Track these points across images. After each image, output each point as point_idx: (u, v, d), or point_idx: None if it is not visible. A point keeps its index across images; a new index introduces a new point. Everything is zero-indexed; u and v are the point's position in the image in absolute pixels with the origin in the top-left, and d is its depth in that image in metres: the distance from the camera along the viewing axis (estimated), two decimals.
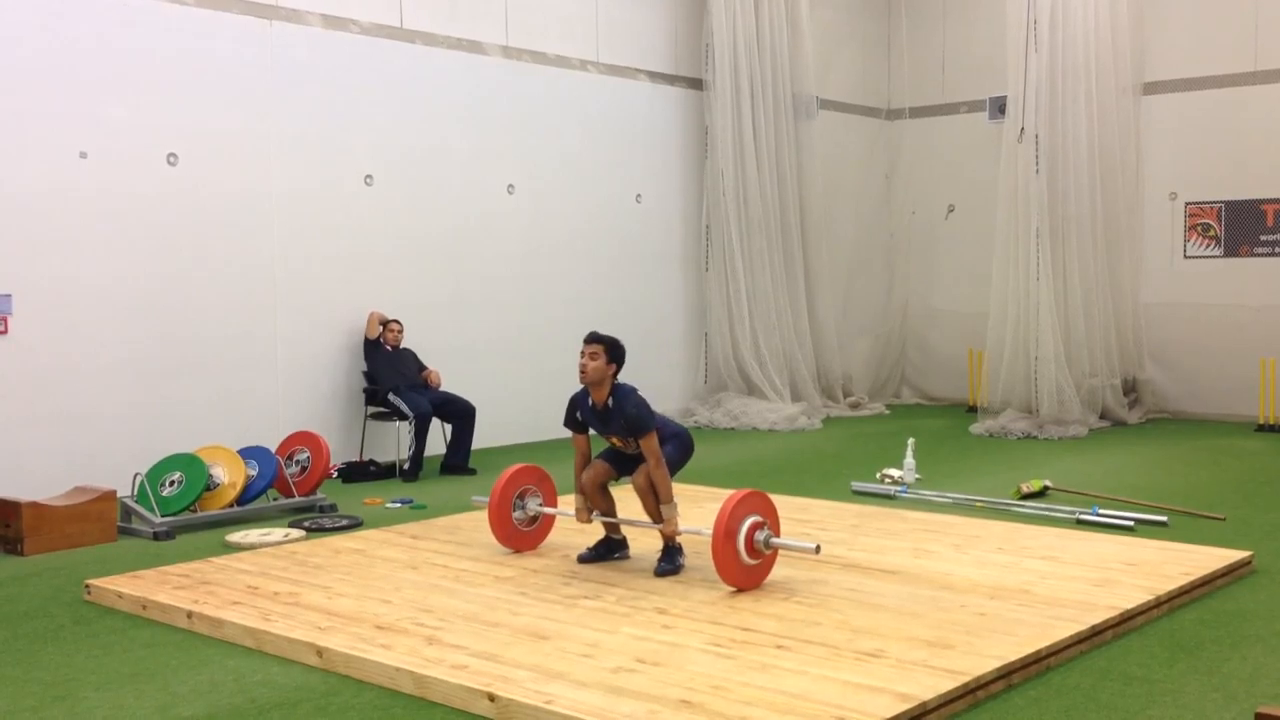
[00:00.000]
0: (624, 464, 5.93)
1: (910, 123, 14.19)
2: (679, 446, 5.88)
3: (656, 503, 5.66)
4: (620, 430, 5.73)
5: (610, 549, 6.06)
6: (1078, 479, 8.55)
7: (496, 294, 10.38)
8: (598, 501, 5.94)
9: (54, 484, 7.35)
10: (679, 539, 5.80)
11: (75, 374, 7.93)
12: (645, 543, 6.07)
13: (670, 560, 5.75)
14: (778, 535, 5.47)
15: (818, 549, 5.43)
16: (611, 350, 5.71)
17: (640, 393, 5.75)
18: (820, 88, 13.03)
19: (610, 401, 5.71)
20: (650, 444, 5.61)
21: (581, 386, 5.82)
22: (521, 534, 6.28)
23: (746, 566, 5.37)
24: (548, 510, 6.30)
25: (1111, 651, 4.73)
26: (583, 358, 5.69)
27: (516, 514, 6.25)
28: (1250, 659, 4.64)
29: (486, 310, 10.35)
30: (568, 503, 6.27)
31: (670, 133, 12.07)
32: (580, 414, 5.87)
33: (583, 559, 6.02)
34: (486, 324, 10.36)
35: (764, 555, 5.43)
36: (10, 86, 7.65)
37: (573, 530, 6.47)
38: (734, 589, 5.35)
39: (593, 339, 5.73)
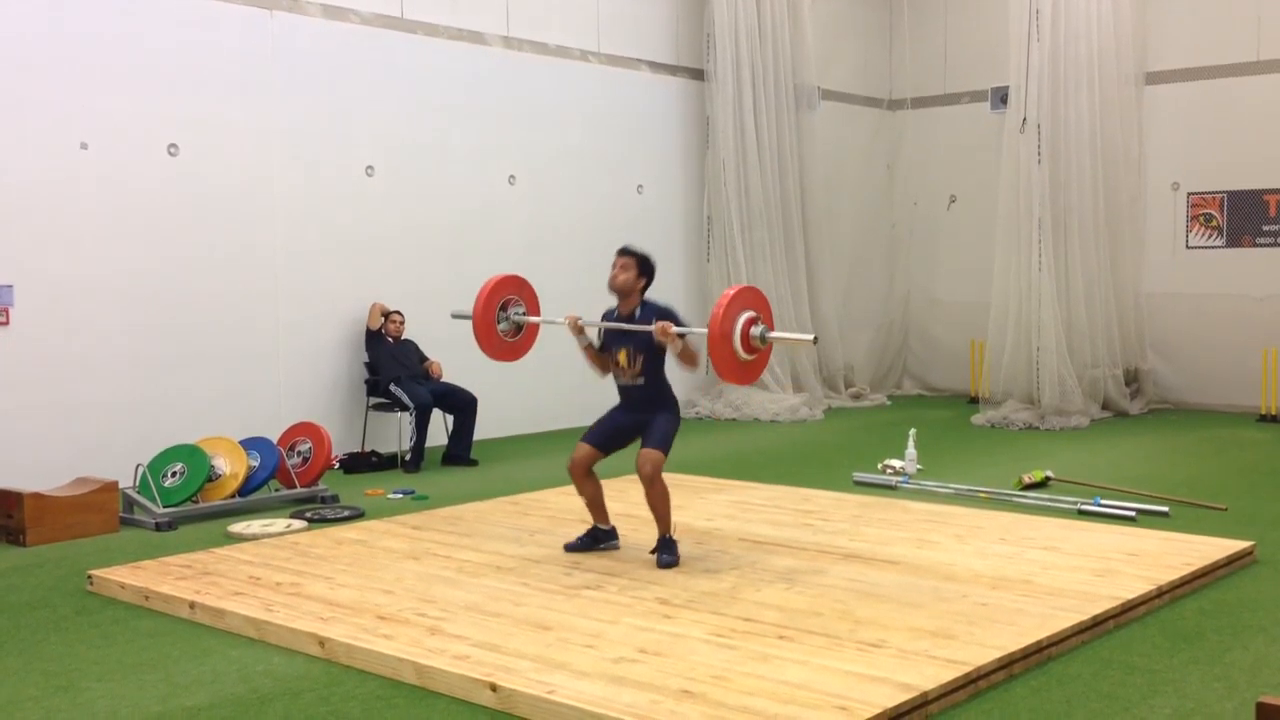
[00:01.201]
0: (611, 440, 5.88)
1: (912, 113, 14.17)
2: (671, 418, 5.79)
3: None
4: (640, 334, 5.66)
5: (596, 539, 6.05)
6: (1080, 470, 8.55)
7: None
8: (585, 487, 5.92)
9: (56, 475, 7.35)
10: (674, 531, 5.79)
11: (77, 365, 7.93)
12: (642, 535, 6.06)
13: (670, 551, 5.73)
14: (772, 329, 5.48)
15: (815, 340, 5.56)
16: (642, 264, 5.80)
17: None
18: (822, 78, 13.00)
19: (638, 312, 5.76)
20: (678, 332, 5.56)
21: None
22: (507, 345, 6.24)
23: (744, 362, 5.42)
24: (531, 319, 6.26)
25: (1113, 642, 4.73)
26: (614, 269, 5.78)
27: (502, 325, 6.21)
28: (1252, 649, 4.64)
29: None
30: (550, 314, 6.22)
31: (671, 123, 12.05)
32: (601, 332, 5.87)
33: (570, 548, 6.02)
34: None
35: (760, 350, 5.45)
36: (11, 77, 7.63)
37: (577, 522, 6.48)
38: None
39: (624, 252, 5.81)
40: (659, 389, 5.79)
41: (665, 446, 5.68)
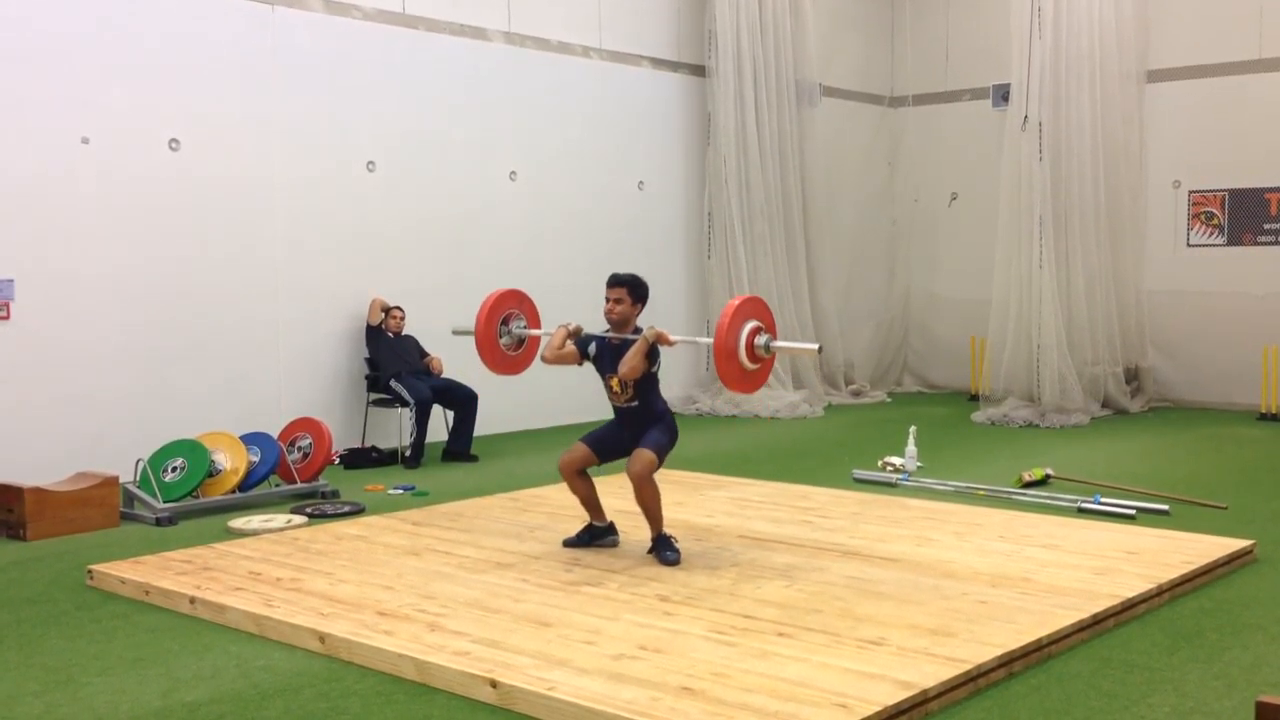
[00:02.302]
0: (608, 448, 5.89)
1: (913, 110, 14.16)
2: (666, 430, 5.80)
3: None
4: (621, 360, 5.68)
5: (594, 535, 6.05)
6: (1079, 467, 8.55)
7: (498, 280, 10.15)
8: (576, 485, 5.92)
9: (56, 469, 7.35)
10: (667, 529, 5.80)
11: (77, 359, 7.93)
12: (643, 531, 6.06)
13: (670, 548, 5.73)
14: (775, 339, 5.54)
15: (820, 349, 5.60)
16: (634, 290, 5.83)
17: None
18: (823, 74, 12.99)
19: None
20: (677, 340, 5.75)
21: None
22: (509, 359, 6.29)
23: (748, 371, 5.48)
24: (533, 332, 6.31)
25: (1112, 640, 4.74)
26: (608, 303, 5.80)
27: (503, 339, 6.26)
28: (1251, 647, 4.64)
29: None
30: (550, 321, 6.23)
31: (673, 119, 12.04)
32: (595, 347, 5.87)
33: (568, 543, 6.03)
34: None
35: (764, 359, 5.52)
36: (12, 71, 7.63)
37: (577, 518, 6.48)
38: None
39: (614, 283, 5.84)
40: (652, 408, 5.81)
41: (659, 450, 5.69)
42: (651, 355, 5.67)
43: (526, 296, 6.40)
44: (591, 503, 5.99)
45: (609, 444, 5.90)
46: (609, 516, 6.11)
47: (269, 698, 4.16)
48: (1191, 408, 12.22)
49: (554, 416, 10.78)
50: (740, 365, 5.45)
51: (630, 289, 5.81)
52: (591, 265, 11.09)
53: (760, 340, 5.45)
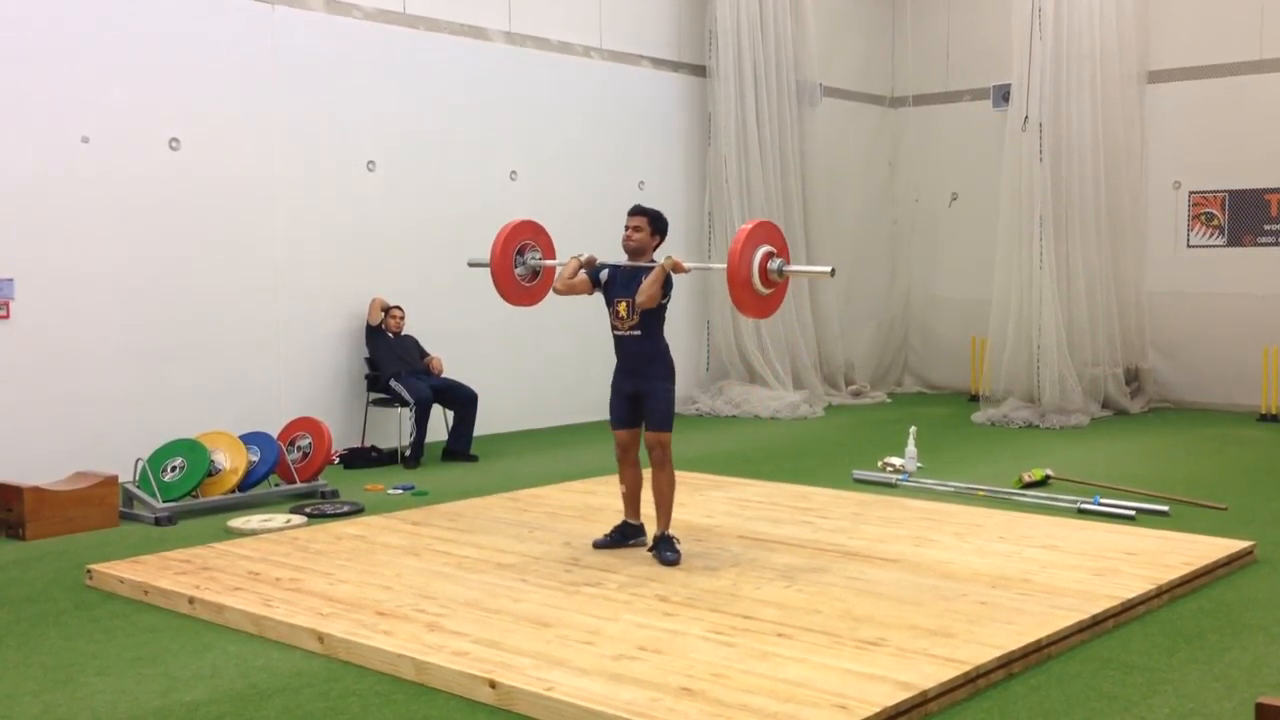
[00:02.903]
0: (629, 413, 5.87)
1: (914, 110, 14.15)
2: (664, 374, 5.83)
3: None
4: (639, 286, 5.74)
5: (625, 535, 6.05)
6: (1079, 468, 8.54)
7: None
8: (625, 475, 5.98)
9: (56, 468, 7.34)
10: (672, 529, 5.80)
11: (77, 359, 7.93)
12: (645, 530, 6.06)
13: (671, 548, 5.73)
14: (789, 263, 5.57)
15: (832, 272, 5.68)
16: (654, 221, 5.89)
17: None
18: (824, 74, 12.99)
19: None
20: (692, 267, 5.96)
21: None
22: (525, 289, 6.34)
23: (761, 296, 5.54)
24: (548, 263, 6.33)
25: (1112, 641, 4.73)
26: (627, 230, 5.85)
27: (519, 270, 6.29)
28: (1251, 649, 4.64)
29: (488, 296, 10.17)
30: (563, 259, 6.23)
31: (673, 119, 12.04)
32: (607, 273, 5.91)
33: (598, 544, 6.02)
34: (488, 310, 10.26)
35: (777, 284, 5.56)
36: (12, 71, 7.62)
37: (577, 518, 6.47)
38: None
39: (636, 211, 5.92)
40: (654, 343, 5.84)
41: (668, 423, 5.78)
42: (665, 285, 5.74)
43: (542, 228, 6.44)
44: (633, 498, 6.03)
45: (626, 409, 5.89)
46: (639, 516, 6.09)
47: (268, 697, 4.16)
48: (1192, 408, 12.22)
49: (554, 416, 10.77)
50: (754, 290, 5.52)
51: (651, 219, 5.88)
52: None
53: (773, 264, 5.51)
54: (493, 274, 6.22)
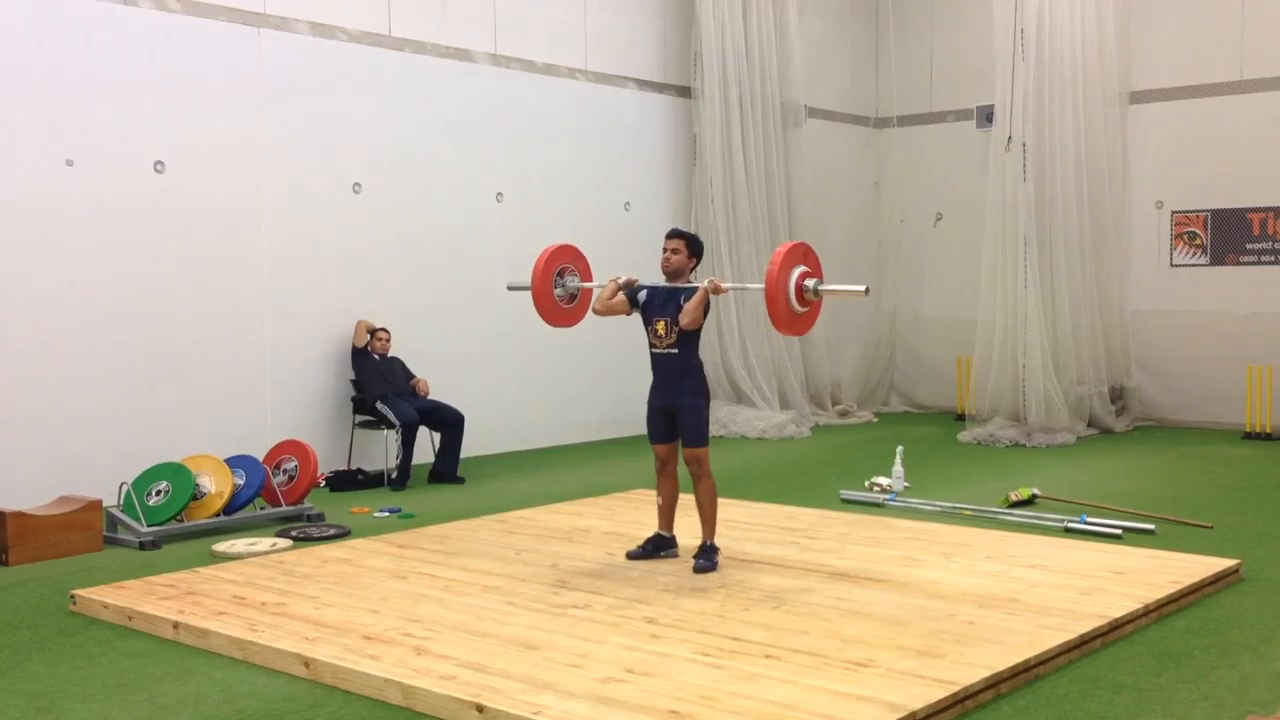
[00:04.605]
0: (665, 428, 6.09)
1: (898, 131, 14.22)
2: (698, 393, 6.04)
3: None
4: (680, 304, 5.94)
5: (658, 546, 6.25)
6: (1066, 487, 8.56)
7: (485, 302, 10.33)
8: (662, 487, 6.21)
9: (39, 493, 7.31)
10: (716, 538, 6.05)
11: (62, 381, 7.89)
12: (625, 547, 6.05)
13: (708, 558, 5.96)
14: (823, 282, 5.77)
15: (866, 290, 5.83)
16: (692, 244, 6.13)
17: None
18: (809, 96, 13.04)
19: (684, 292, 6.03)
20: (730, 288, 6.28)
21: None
22: (564, 311, 6.50)
23: (797, 315, 5.71)
24: (585, 285, 6.52)
25: (1100, 660, 4.73)
26: (665, 252, 6.08)
27: (557, 291, 6.45)
28: (1238, 667, 4.64)
29: (475, 318, 10.32)
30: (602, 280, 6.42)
31: (659, 141, 12.08)
32: (645, 294, 6.11)
33: (632, 555, 6.20)
34: (475, 332, 10.33)
35: (812, 302, 5.75)
36: None
37: (564, 540, 6.45)
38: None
39: (674, 234, 6.16)
40: (688, 360, 6.02)
41: (702, 439, 6.01)
42: (705, 306, 5.92)
43: (580, 252, 6.61)
44: (668, 510, 6.25)
45: (662, 424, 6.12)
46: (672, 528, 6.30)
47: None
48: (1176, 427, 12.26)
49: (541, 438, 10.75)
50: (790, 308, 5.67)
51: (689, 242, 6.11)
52: None
53: (809, 284, 5.69)
54: (533, 296, 6.42)
